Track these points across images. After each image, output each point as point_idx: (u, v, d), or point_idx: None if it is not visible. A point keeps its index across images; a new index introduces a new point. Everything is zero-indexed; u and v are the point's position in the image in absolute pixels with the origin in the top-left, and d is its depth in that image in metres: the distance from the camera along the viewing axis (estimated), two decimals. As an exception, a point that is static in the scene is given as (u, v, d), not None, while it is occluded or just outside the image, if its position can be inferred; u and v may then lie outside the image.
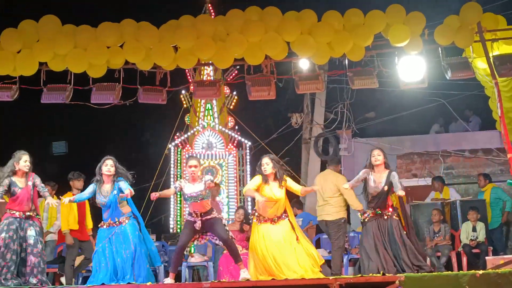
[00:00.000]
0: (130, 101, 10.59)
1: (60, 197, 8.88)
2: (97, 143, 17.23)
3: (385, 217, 8.65)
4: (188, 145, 15.53)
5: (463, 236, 10.71)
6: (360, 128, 15.40)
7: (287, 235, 8.49)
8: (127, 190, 8.27)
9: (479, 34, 9.73)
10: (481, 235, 10.61)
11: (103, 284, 7.89)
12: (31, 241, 8.33)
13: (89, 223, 10.27)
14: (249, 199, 15.16)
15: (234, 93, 15.94)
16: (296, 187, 8.66)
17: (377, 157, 8.79)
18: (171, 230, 14.80)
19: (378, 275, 7.76)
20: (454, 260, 10.56)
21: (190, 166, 8.44)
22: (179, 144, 15.60)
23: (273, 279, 8.04)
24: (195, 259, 10.51)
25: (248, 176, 15.52)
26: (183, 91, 15.59)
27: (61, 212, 9.99)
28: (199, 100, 15.66)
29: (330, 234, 9.80)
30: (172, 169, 15.28)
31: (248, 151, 15.70)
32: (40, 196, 8.81)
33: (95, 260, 8.37)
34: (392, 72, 10.40)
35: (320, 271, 8.40)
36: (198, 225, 8.33)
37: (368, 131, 15.48)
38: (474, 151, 14.54)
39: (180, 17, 10.00)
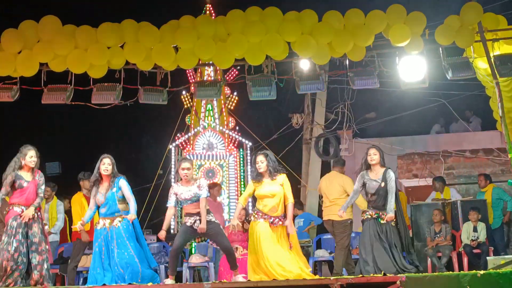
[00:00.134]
0: (130, 101, 10.59)
1: (74, 226, 8.83)
2: (97, 143, 17.22)
3: (382, 221, 8.64)
4: (188, 146, 15.53)
5: (464, 237, 10.70)
6: (361, 128, 15.40)
7: (282, 239, 8.51)
8: (130, 215, 8.33)
9: (479, 34, 9.73)
10: (482, 235, 10.60)
11: (104, 284, 7.88)
12: (36, 239, 8.31)
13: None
14: (250, 199, 15.15)
15: (235, 93, 15.94)
16: (287, 192, 8.65)
17: (373, 156, 8.80)
18: (172, 231, 14.79)
19: (379, 275, 7.75)
20: (455, 260, 10.54)
21: (183, 169, 8.44)
22: (180, 145, 15.60)
23: (274, 279, 8.04)
24: (196, 259, 10.51)
25: (249, 176, 15.52)
26: (183, 92, 15.59)
27: (74, 211, 9.98)
28: (199, 100, 15.66)
29: (335, 234, 9.81)
30: (173, 169, 15.27)
31: (248, 151, 15.69)
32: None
33: (92, 260, 8.37)
34: (393, 72, 10.39)
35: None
36: (196, 223, 8.32)
37: (369, 132, 15.48)
38: (475, 151, 14.54)
39: (181, 17, 9.99)
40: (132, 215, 8.36)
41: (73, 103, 10.37)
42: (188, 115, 16.13)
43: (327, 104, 15.66)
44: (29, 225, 8.32)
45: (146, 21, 9.91)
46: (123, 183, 8.45)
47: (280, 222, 8.55)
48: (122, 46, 9.89)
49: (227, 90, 15.94)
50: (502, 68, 9.64)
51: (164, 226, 8.45)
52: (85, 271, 10.47)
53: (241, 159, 15.71)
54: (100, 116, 11.97)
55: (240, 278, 8.34)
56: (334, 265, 9.71)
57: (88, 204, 9.32)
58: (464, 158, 14.60)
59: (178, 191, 8.46)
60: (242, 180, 15.37)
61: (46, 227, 10.77)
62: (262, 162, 8.64)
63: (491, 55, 9.71)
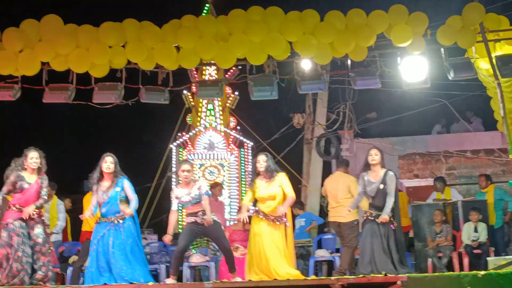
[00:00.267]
0: (132, 100, 10.59)
1: (80, 216, 8.78)
2: (98, 142, 17.24)
3: (381, 224, 8.65)
4: (190, 145, 15.54)
5: (465, 237, 10.70)
6: (362, 128, 15.42)
7: (282, 238, 8.53)
8: (129, 210, 8.32)
9: (481, 35, 9.72)
10: (483, 236, 10.60)
11: (105, 284, 7.88)
12: (39, 240, 8.28)
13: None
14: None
15: (236, 93, 15.94)
16: (286, 190, 8.67)
17: (374, 156, 8.81)
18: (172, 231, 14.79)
19: (380, 275, 7.76)
20: (455, 260, 10.54)
21: (183, 171, 8.45)
22: (181, 144, 15.61)
23: (275, 279, 8.04)
24: (197, 259, 10.51)
25: (250, 176, 15.53)
26: (185, 91, 15.59)
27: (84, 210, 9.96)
28: (201, 100, 15.67)
29: (343, 236, 9.83)
30: (174, 169, 15.28)
31: (250, 151, 15.71)
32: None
33: (90, 259, 8.36)
34: (395, 72, 10.38)
35: None
36: (200, 218, 8.32)
37: (370, 132, 15.50)
38: (476, 152, 14.54)
39: (182, 17, 9.99)
40: (130, 210, 8.34)
41: (74, 102, 10.37)
42: (189, 114, 16.15)
43: (329, 104, 15.68)
44: (30, 226, 8.30)
45: (148, 20, 9.91)
46: (126, 183, 8.45)
47: (280, 222, 8.57)
48: (123, 46, 9.88)
49: (228, 90, 15.95)
50: (504, 68, 9.63)
51: (169, 231, 8.44)
52: (85, 270, 10.47)
53: (242, 158, 15.72)
54: (101, 116, 11.97)
55: (238, 280, 8.34)
56: (341, 261, 9.70)
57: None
58: (465, 158, 14.60)
59: (179, 194, 8.48)
60: (243, 179, 15.38)
61: (47, 227, 10.84)
62: (263, 161, 8.66)
63: (493, 55, 9.70)
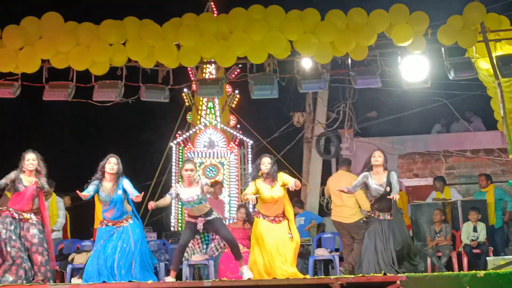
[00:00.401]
0: (132, 98, 10.60)
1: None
2: (98, 140, 17.25)
3: (386, 220, 8.66)
4: (189, 144, 15.54)
5: (464, 236, 10.70)
6: (362, 127, 15.42)
7: (283, 236, 8.53)
8: (137, 195, 8.22)
9: (482, 34, 9.72)
10: (482, 236, 10.60)
11: (104, 282, 7.88)
12: (35, 240, 8.23)
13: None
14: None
15: (236, 91, 15.95)
16: (288, 179, 8.66)
17: (378, 158, 8.81)
18: (172, 228, 14.83)
19: (379, 274, 7.76)
20: (454, 260, 10.54)
21: (186, 170, 8.39)
22: (181, 142, 15.61)
23: (274, 278, 8.05)
24: (196, 257, 10.49)
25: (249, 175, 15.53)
26: (185, 89, 15.60)
27: (96, 208, 9.91)
28: (201, 98, 15.67)
29: (353, 236, 9.87)
30: (173, 167, 15.29)
31: (249, 149, 15.72)
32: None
33: (91, 257, 8.35)
34: (395, 71, 10.38)
35: None
36: (200, 226, 8.33)
37: (370, 131, 15.50)
38: (475, 151, 14.54)
39: (183, 15, 9.99)
40: (137, 194, 8.25)
41: (74, 100, 10.37)
42: (190, 112, 16.15)
43: (329, 103, 15.68)
44: (25, 227, 8.26)
45: (149, 18, 9.91)
46: (126, 182, 8.42)
47: (282, 219, 8.58)
48: (124, 44, 9.89)
49: (228, 88, 15.95)
50: (504, 68, 9.64)
51: (158, 202, 8.27)
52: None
53: (242, 157, 15.72)
54: (101, 114, 11.96)
55: (245, 269, 8.32)
56: (353, 255, 9.69)
57: None
58: (465, 158, 14.60)
59: (180, 192, 8.43)
60: (243, 178, 15.38)
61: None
62: (269, 164, 8.64)
63: (493, 55, 9.70)
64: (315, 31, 9.77)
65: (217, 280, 8.31)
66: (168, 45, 9.82)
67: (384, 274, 7.70)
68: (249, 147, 15.76)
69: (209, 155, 15.49)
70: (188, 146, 15.54)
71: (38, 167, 8.45)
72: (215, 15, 12.72)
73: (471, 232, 10.66)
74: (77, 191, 8.25)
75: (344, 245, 10.08)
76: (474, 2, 9.73)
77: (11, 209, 8.28)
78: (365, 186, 8.83)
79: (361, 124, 15.38)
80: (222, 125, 15.65)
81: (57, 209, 11.07)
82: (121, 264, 8.14)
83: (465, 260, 10.50)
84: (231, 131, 15.75)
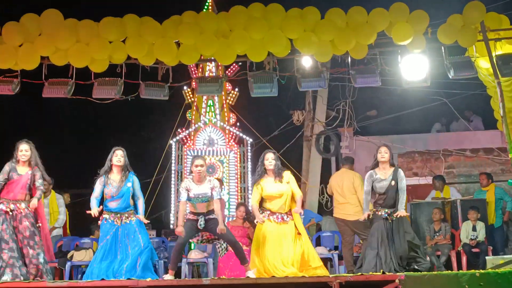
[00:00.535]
0: (132, 96, 10.59)
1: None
2: (98, 138, 17.25)
3: (390, 219, 8.67)
4: (189, 141, 15.52)
5: (463, 236, 10.71)
6: (362, 126, 15.41)
7: (289, 235, 8.51)
8: (142, 217, 8.41)
9: (482, 34, 9.73)
10: (481, 235, 10.61)
11: (103, 279, 7.88)
12: (26, 233, 8.24)
13: None
14: (250, 196, 15.15)
15: (236, 89, 15.93)
16: (294, 189, 8.68)
17: (384, 154, 8.83)
18: (171, 226, 14.80)
19: (378, 273, 7.76)
20: (454, 259, 10.55)
21: (196, 166, 8.34)
22: (181, 140, 15.59)
23: (273, 276, 8.04)
24: (195, 255, 10.51)
25: (249, 173, 15.52)
26: (185, 87, 15.58)
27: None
28: (201, 96, 15.65)
29: (358, 233, 9.90)
30: (173, 165, 15.27)
31: (249, 148, 15.69)
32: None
33: (97, 254, 8.34)
34: (395, 70, 10.39)
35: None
36: (201, 224, 8.29)
37: (370, 129, 15.49)
38: (475, 151, 14.54)
39: (183, 13, 9.98)
40: (143, 217, 8.42)
41: (74, 97, 10.37)
42: (189, 110, 16.12)
43: (328, 102, 15.67)
44: (18, 219, 8.26)
45: (148, 16, 9.90)
46: (136, 181, 8.50)
47: (289, 218, 8.57)
48: (124, 41, 9.88)
49: (228, 86, 15.93)
50: (504, 68, 9.64)
51: (180, 222, 8.21)
52: (83, 266, 10.47)
53: (242, 155, 15.70)
54: (100, 111, 11.97)
55: (251, 274, 8.28)
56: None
57: None
58: (465, 157, 14.60)
59: (190, 186, 8.39)
60: (243, 176, 15.38)
61: (47, 222, 10.81)
62: (272, 159, 8.65)
63: (493, 54, 9.70)
64: (315, 29, 9.77)
65: (216, 278, 8.31)
66: (168, 42, 9.81)
67: (383, 273, 7.69)
68: (249, 145, 15.74)
69: (208, 153, 15.47)
70: (187, 144, 15.51)
71: (31, 158, 8.44)
72: (216, 13, 12.69)
73: (470, 231, 10.67)
74: (90, 212, 8.31)
75: (345, 243, 10.06)
76: (474, 1, 9.73)
77: (3, 199, 8.26)
78: (373, 183, 8.83)
79: (361, 122, 15.38)
80: (222, 123, 15.63)
81: (57, 206, 11.07)
82: (128, 261, 8.16)
83: (464, 259, 10.51)
84: (231, 129, 15.73)
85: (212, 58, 10.45)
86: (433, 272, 7.62)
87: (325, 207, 14.77)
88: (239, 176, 15.25)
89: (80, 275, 10.50)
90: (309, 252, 8.53)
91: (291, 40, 9.87)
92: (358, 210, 9.84)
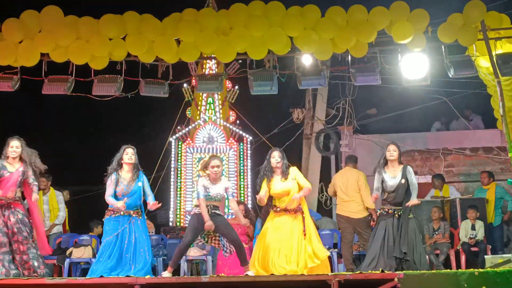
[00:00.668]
0: (131, 93, 10.59)
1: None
2: (97, 135, 17.24)
3: (397, 215, 8.68)
4: (189, 139, 15.53)
5: (462, 234, 10.71)
6: (362, 124, 15.40)
7: (296, 231, 8.49)
8: (154, 203, 8.44)
9: (482, 33, 9.72)
10: (480, 234, 10.62)
11: (101, 276, 7.88)
12: (15, 229, 8.20)
13: None
14: (249, 194, 15.18)
15: (236, 87, 15.93)
16: (302, 182, 8.66)
17: (392, 152, 8.89)
18: (170, 224, 14.83)
19: (377, 272, 7.76)
20: (452, 258, 10.55)
21: (213, 166, 8.37)
22: (180, 138, 15.59)
23: (272, 274, 8.04)
24: (194, 253, 10.51)
25: (249, 170, 15.53)
26: (185, 85, 15.58)
27: None
28: (200, 93, 15.65)
29: (359, 232, 9.88)
30: (172, 162, 15.28)
31: (249, 145, 15.71)
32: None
33: (103, 249, 8.30)
34: (395, 69, 10.39)
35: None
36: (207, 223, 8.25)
37: (370, 128, 15.48)
38: (475, 150, 14.54)
39: (183, 10, 9.98)
40: (154, 202, 8.48)
41: (73, 94, 10.36)
42: (189, 108, 16.13)
43: (328, 100, 15.66)
44: (7, 215, 8.22)
45: (149, 13, 9.90)
46: (145, 179, 8.55)
47: (298, 214, 8.56)
48: (124, 38, 9.87)
49: (228, 84, 15.93)
50: (504, 67, 9.64)
51: (206, 217, 8.18)
52: (82, 263, 10.48)
53: (241, 153, 15.71)
54: (100, 108, 11.95)
55: (250, 272, 8.26)
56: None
57: None
58: (464, 156, 14.60)
59: (207, 185, 8.38)
60: (242, 174, 15.38)
61: (46, 219, 10.82)
62: (279, 157, 8.65)
63: (493, 53, 9.71)
64: (316, 27, 9.76)
65: (214, 275, 8.32)
66: (168, 40, 9.81)
67: (382, 271, 7.70)
68: (248, 143, 15.76)
69: (208, 151, 15.48)
70: (187, 141, 15.52)
71: (22, 155, 8.41)
72: (216, 10, 12.68)
73: (469, 230, 10.68)
74: (118, 206, 8.30)
75: (345, 241, 10.04)
76: (475, 0, 9.72)
77: None
78: (382, 182, 8.83)
79: (361, 121, 15.36)
80: (222, 121, 15.64)
81: (57, 203, 11.07)
82: (136, 257, 8.19)
83: (463, 258, 10.52)
84: (231, 126, 15.74)
85: (212, 55, 10.43)
86: (432, 271, 7.62)
87: (324, 206, 14.77)
88: (238, 174, 15.27)
89: (79, 272, 10.51)
90: (314, 249, 8.49)
91: (291, 38, 9.87)
92: (362, 208, 9.87)
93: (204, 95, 15.82)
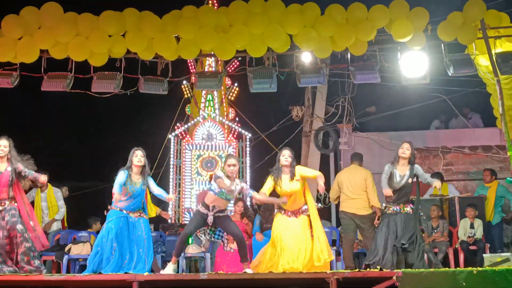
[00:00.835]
0: (131, 90, 10.57)
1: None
2: (96, 132, 17.23)
3: (403, 211, 8.71)
4: (188, 136, 15.54)
5: (461, 233, 10.72)
6: (361, 122, 15.40)
7: (302, 231, 8.48)
8: (169, 197, 8.50)
9: (482, 31, 9.72)
10: (479, 232, 10.63)
11: (100, 273, 7.88)
12: (8, 227, 8.15)
13: (151, 212, 10.15)
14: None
15: (235, 84, 15.94)
16: (311, 173, 8.68)
17: (405, 150, 8.88)
18: (169, 221, 14.82)
19: (376, 270, 7.77)
20: (451, 256, 10.57)
21: (229, 165, 8.38)
22: (179, 135, 15.60)
23: (270, 272, 8.04)
24: (193, 250, 10.51)
25: (248, 168, 15.54)
26: (184, 82, 15.59)
27: None
28: (200, 91, 15.65)
29: (363, 228, 9.85)
30: (171, 159, 15.29)
31: (248, 143, 15.72)
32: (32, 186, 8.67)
33: (105, 245, 8.22)
34: (394, 67, 10.39)
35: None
36: (210, 219, 8.25)
37: (369, 126, 15.48)
38: (474, 148, 14.55)
39: (183, 7, 9.97)
40: (170, 196, 8.53)
41: (73, 91, 10.35)
42: (188, 105, 16.14)
43: (328, 97, 15.66)
44: (1, 216, 8.19)
45: (148, 10, 9.89)
46: (152, 182, 8.54)
47: (302, 212, 8.55)
48: (123, 35, 9.86)
49: (227, 81, 15.93)
50: (504, 65, 9.64)
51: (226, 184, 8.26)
52: (81, 259, 10.48)
53: (240, 150, 15.73)
54: (99, 105, 11.95)
55: (249, 270, 8.28)
56: (367, 253, 9.77)
57: None
58: (463, 154, 14.61)
59: (225, 180, 8.37)
60: (241, 171, 15.39)
61: (45, 216, 10.82)
62: (289, 156, 8.65)
63: (493, 52, 9.70)
64: (315, 25, 9.76)
65: (213, 273, 8.32)
66: (168, 37, 9.80)
67: (381, 269, 7.70)
68: (248, 140, 15.76)
69: (207, 148, 15.49)
70: (186, 139, 15.53)
71: (9, 154, 8.34)
72: (216, 8, 12.68)
73: (468, 228, 10.69)
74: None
75: (347, 239, 9.98)
76: (475, -2, 9.73)
77: None
78: (390, 176, 8.85)
79: (360, 119, 15.37)
80: (221, 118, 15.64)
81: (55, 200, 11.06)
82: (140, 254, 8.21)
83: (461, 256, 10.53)
84: (230, 124, 15.74)
85: (212, 53, 10.42)
86: (431, 269, 7.62)
87: (323, 203, 14.76)
88: (237, 171, 15.27)
89: (77, 268, 10.51)
90: (321, 247, 8.48)
91: (291, 36, 9.86)
92: (367, 206, 9.82)
93: (204, 92, 15.83)
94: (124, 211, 8.33)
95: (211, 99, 15.85)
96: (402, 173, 8.80)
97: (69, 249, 10.33)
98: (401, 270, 7.37)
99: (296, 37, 9.82)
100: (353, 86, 14.64)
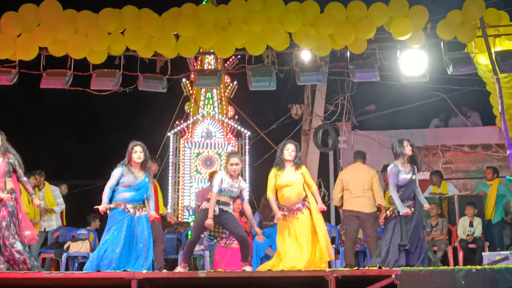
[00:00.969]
0: (130, 88, 10.57)
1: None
2: (95, 129, 17.22)
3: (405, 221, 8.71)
4: (187, 134, 15.53)
5: (460, 231, 10.72)
6: (360, 120, 15.38)
7: (304, 229, 8.45)
8: (153, 212, 8.42)
9: (481, 30, 9.72)
10: (478, 231, 10.63)
11: (98, 270, 7.87)
12: (3, 223, 8.07)
13: (161, 208, 10.13)
14: (248, 189, 15.16)
15: (235, 82, 15.93)
16: (310, 181, 8.65)
17: (409, 147, 8.86)
18: (168, 219, 14.81)
19: (374, 268, 7.76)
20: (450, 255, 10.57)
21: (232, 164, 8.35)
22: (179, 133, 15.59)
23: (269, 270, 8.04)
24: (192, 247, 10.50)
25: (247, 166, 15.53)
26: (183, 80, 15.58)
27: None
28: (199, 89, 15.65)
29: (365, 226, 9.81)
30: (171, 157, 15.28)
31: (247, 141, 15.72)
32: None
33: (107, 242, 8.15)
34: (394, 65, 10.39)
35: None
36: (216, 210, 8.18)
37: (368, 124, 15.46)
38: (473, 147, 14.55)
39: (182, 5, 9.96)
40: (154, 213, 8.43)
41: (72, 88, 10.35)
42: (188, 103, 16.13)
43: (327, 96, 15.63)
44: None
45: (148, 8, 9.88)
46: (151, 179, 8.50)
47: (299, 208, 8.51)
48: (122, 32, 9.85)
49: (227, 79, 15.93)
50: (503, 64, 9.64)
51: (211, 214, 8.13)
52: (80, 257, 10.48)
53: (240, 148, 15.71)
54: (98, 103, 11.94)
55: (248, 268, 8.26)
56: (369, 251, 9.77)
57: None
58: (462, 153, 14.61)
59: (225, 179, 8.34)
60: (241, 169, 15.37)
61: (44, 214, 10.82)
62: (293, 151, 8.59)
63: (492, 51, 9.70)
64: (315, 23, 9.75)
65: (212, 271, 8.31)
66: (167, 35, 9.79)
67: (380, 267, 7.70)
68: (247, 138, 15.75)
69: (206, 146, 15.48)
70: (185, 137, 15.53)
71: (2, 147, 8.23)
72: (215, 5, 12.67)
73: (467, 227, 10.69)
74: (99, 207, 8.16)
75: (350, 237, 9.93)
76: (474, -3, 9.72)
77: None
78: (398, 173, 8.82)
79: (359, 117, 15.35)
80: (220, 116, 15.63)
81: (53, 197, 11.06)
82: (140, 248, 8.20)
83: (460, 254, 10.53)
84: (229, 122, 15.73)
85: (211, 50, 10.42)
86: (430, 268, 7.62)
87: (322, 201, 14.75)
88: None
89: (76, 266, 10.51)
90: (322, 247, 8.47)
91: (290, 34, 9.86)
92: (372, 204, 9.79)
93: (203, 90, 15.82)
94: (125, 208, 8.25)
95: (210, 97, 15.84)
96: (407, 169, 8.80)
97: (68, 247, 10.32)
98: (400, 268, 7.38)
99: (296, 35, 9.82)
100: (352, 85, 14.62)
